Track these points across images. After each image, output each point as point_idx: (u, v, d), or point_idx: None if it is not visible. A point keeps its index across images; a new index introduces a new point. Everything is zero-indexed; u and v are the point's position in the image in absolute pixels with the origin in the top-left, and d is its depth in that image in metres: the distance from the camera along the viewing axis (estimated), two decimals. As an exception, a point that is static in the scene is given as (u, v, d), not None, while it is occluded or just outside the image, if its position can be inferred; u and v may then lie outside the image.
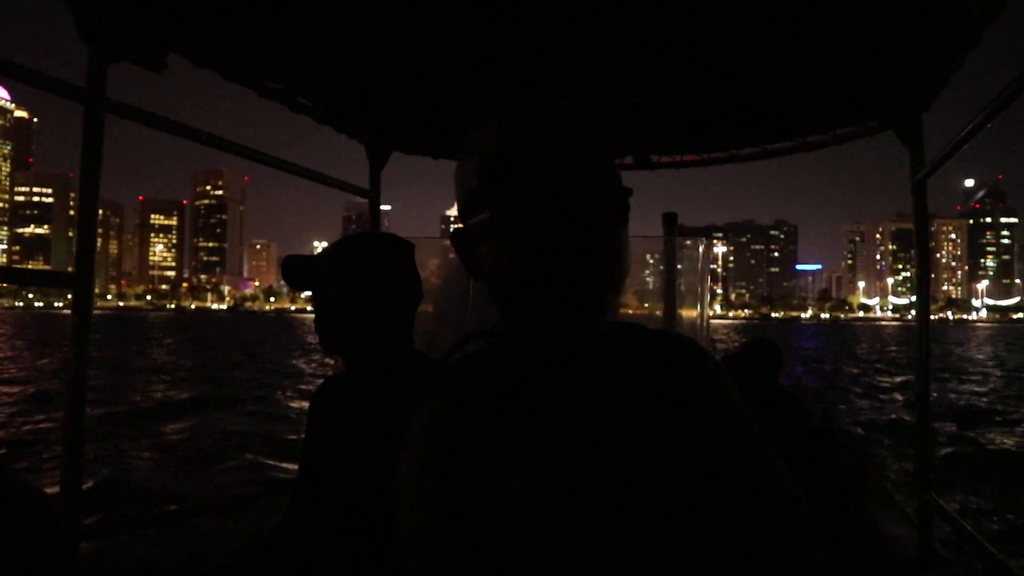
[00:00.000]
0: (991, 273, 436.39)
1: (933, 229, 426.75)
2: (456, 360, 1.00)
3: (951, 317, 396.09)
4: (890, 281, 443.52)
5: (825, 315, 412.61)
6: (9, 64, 1.91)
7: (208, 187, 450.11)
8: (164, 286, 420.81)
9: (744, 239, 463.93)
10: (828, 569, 0.93)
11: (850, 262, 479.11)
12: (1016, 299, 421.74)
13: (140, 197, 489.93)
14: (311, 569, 1.66)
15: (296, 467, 1.87)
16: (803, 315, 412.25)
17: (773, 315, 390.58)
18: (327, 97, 3.18)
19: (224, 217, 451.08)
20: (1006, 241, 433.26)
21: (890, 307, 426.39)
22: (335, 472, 1.68)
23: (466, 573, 0.81)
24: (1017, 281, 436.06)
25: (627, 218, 0.93)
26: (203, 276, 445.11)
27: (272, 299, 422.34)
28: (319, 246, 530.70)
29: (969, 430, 16.94)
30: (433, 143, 3.89)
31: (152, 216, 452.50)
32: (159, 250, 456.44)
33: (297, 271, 1.79)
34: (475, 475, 0.85)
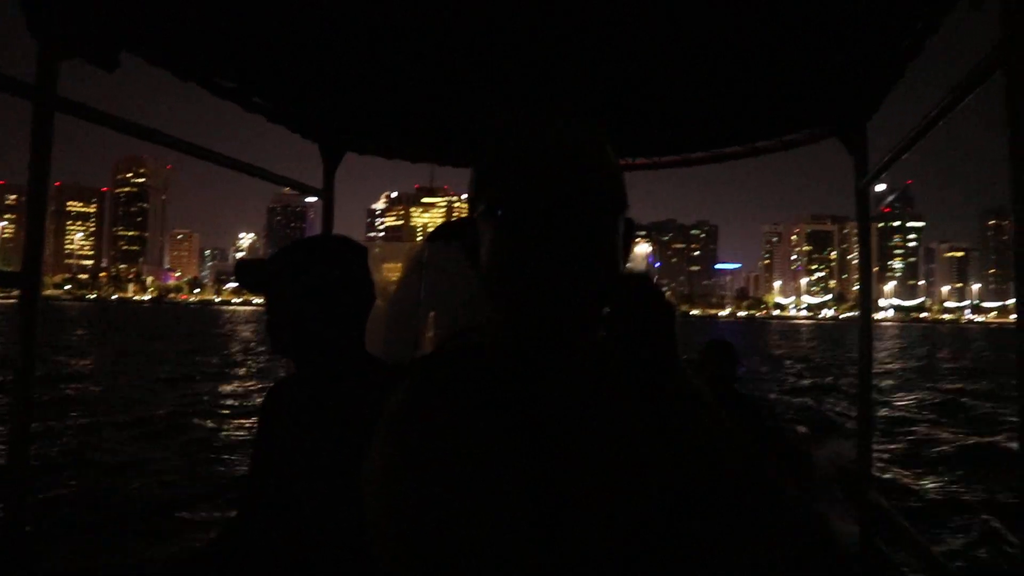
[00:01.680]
0: (898, 275, 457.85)
1: (846, 231, 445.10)
2: (437, 352, 1.02)
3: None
4: (804, 281, 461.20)
5: (742, 313, 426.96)
6: None
7: (129, 174, 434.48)
8: (83, 275, 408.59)
9: (666, 238, 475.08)
10: (780, 562, 0.93)
11: (767, 262, 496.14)
12: (920, 300, 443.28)
13: (56, 183, 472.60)
14: (265, 570, 1.67)
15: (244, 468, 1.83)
16: (721, 313, 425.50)
17: (692, 312, 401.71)
18: (281, 97, 3.15)
19: (145, 206, 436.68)
20: (913, 244, 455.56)
21: (804, 306, 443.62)
22: (288, 473, 1.68)
23: (429, 559, 0.81)
24: (921, 282, 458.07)
25: (618, 228, 0.92)
26: (123, 266, 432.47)
27: (197, 290, 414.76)
28: (245, 237, 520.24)
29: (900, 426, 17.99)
30: (387, 144, 3.90)
31: (69, 203, 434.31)
32: (78, 238, 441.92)
33: (251, 274, 1.79)
34: (437, 463, 0.86)
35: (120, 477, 10.77)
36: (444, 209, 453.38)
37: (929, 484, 11.84)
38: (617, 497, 0.91)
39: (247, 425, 15.63)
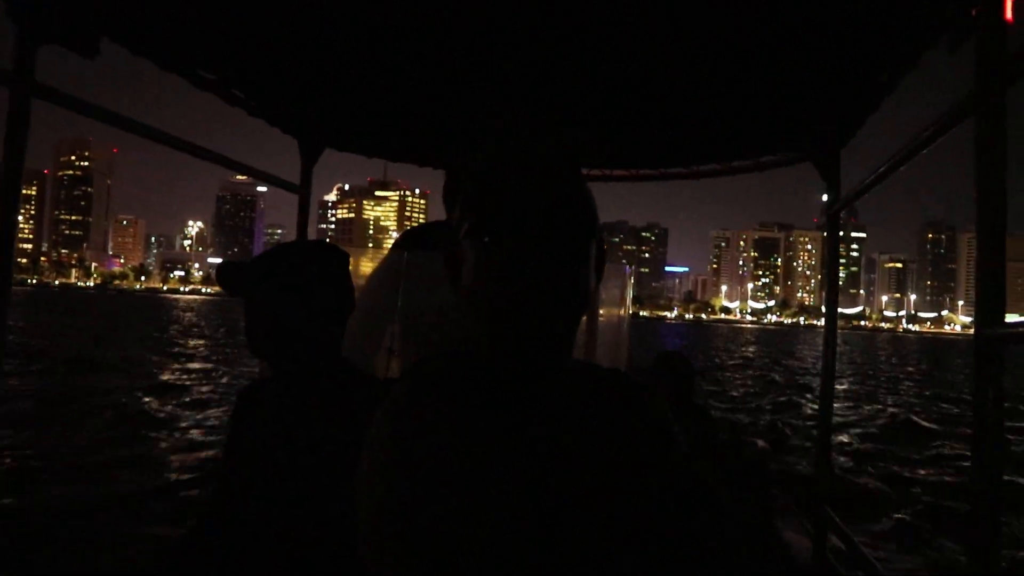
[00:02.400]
0: (841, 283, 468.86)
1: (791, 239, 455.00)
2: (431, 356, 1.05)
3: (802, 322, 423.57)
4: (750, 286, 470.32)
5: (689, 315, 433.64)
6: None
7: (73, 157, 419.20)
8: (22, 259, 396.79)
9: (617, 239, 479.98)
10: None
11: (715, 266, 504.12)
12: (859, 308, 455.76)
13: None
14: (235, 571, 1.65)
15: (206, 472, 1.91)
16: (669, 315, 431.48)
17: (642, 314, 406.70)
18: (261, 91, 3.15)
19: (89, 190, 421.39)
20: (855, 254, 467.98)
21: (749, 311, 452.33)
22: (269, 473, 1.68)
23: (425, 557, 0.82)
24: (861, 292, 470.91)
25: (589, 248, 0.96)
26: (64, 251, 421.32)
27: (143, 278, 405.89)
28: (193, 225, 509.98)
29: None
30: (366, 142, 3.90)
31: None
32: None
33: (232, 275, 1.80)
34: (434, 461, 0.88)
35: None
36: (396, 203, 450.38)
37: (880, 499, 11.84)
38: (610, 500, 0.94)
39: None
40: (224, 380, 24.10)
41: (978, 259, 1.62)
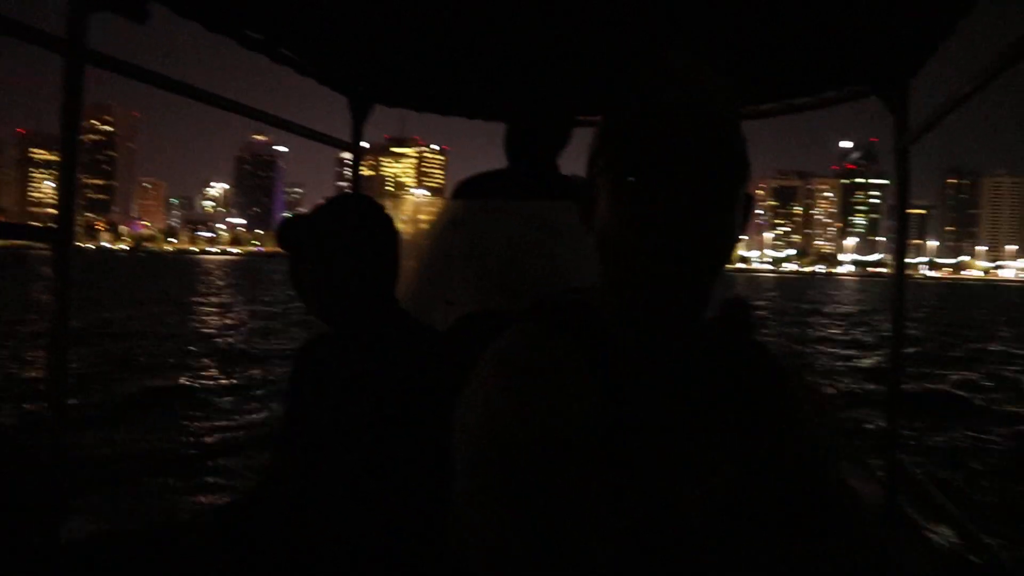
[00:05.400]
0: (861, 231, 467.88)
1: (810, 187, 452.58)
2: (547, 301, 1.01)
3: (822, 271, 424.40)
4: (768, 235, 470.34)
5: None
6: None
7: (96, 122, 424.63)
8: (52, 225, 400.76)
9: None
10: (797, 522, 0.93)
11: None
12: (879, 255, 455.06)
13: (20, 130, 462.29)
14: (298, 528, 1.63)
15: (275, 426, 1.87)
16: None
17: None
18: (310, 48, 3.11)
19: (113, 154, 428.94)
20: (876, 201, 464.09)
21: (768, 260, 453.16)
22: (323, 432, 1.67)
23: (533, 499, 0.79)
24: (882, 239, 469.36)
25: (740, 193, 0.88)
26: (89, 215, 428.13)
27: (172, 239, 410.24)
28: (216, 187, 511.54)
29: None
30: (416, 96, 3.73)
31: (32, 150, 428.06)
32: (45, 187, 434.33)
33: (295, 231, 1.74)
34: (534, 411, 0.82)
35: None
36: (415, 160, 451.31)
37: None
38: (710, 475, 0.88)
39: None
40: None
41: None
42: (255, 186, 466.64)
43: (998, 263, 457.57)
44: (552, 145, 2.41)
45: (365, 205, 1.79)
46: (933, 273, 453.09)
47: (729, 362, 0.99)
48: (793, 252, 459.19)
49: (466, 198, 2.50)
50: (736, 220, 0.88)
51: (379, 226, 1.77)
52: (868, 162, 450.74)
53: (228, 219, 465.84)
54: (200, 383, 14.27)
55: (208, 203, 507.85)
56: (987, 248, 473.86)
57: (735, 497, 0.87)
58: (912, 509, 2.95)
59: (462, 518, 0.84)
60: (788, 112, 3.64)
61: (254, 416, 11.53)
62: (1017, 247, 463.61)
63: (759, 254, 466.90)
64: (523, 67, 3.12)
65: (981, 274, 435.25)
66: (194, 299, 39.29)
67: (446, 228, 2.52)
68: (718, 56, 2.91)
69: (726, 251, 0.87)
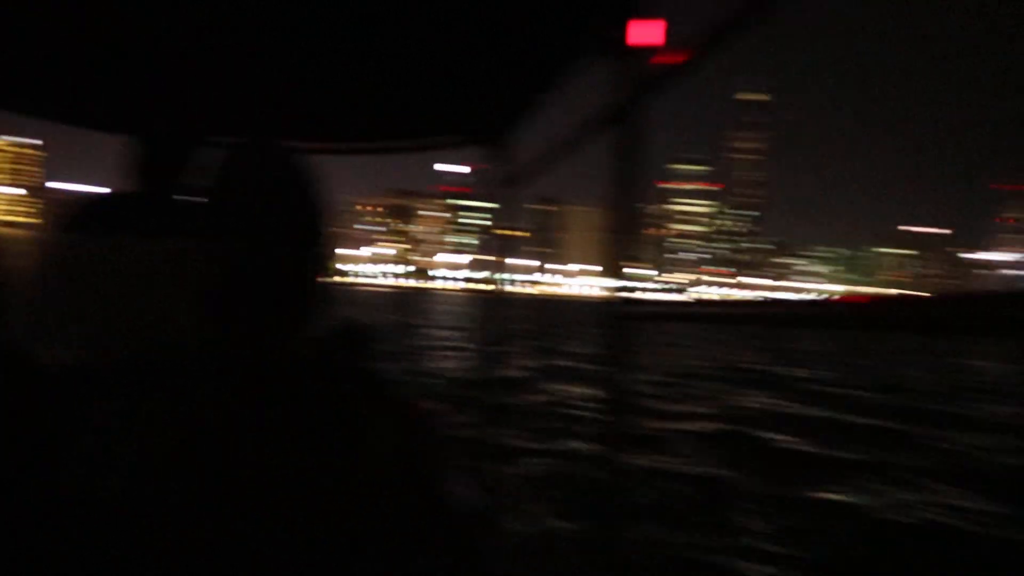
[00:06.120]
0: (472, 250, 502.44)
1: (419, 207, 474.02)
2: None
3: (437, 283, 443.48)
4: (381, 251, 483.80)
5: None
6: None
7: None
8: None
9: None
10: (390, 528, 0.97)
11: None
12: (487, 273, 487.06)
13: None
14: None
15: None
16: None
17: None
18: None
19: None
20: (486, 223, 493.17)
21: (382, 275, 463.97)
22: None
23: None
24: (484, 258, 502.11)
25: (309, 255, 1.07)
26: None
27: None
28: None
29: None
30: (30, 100, 3.45)
31: None
32: None
33: None
34: None
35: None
36: (8, 154, 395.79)
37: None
38: None
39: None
40: None
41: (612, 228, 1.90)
42: None
43: (575, 279, 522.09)
44: (176, 167, 2.08)
45: None
46: (529, 289, 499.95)
47: (313, 378, 1.07)
48: (411, 268, 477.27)
49: (73, 229, 2.16)
50: (310, 273, 1.04)
51: None
52: (479, 185, 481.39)
53: None
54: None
55: None
56: (567, 267, 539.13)
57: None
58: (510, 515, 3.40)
59: None
60: (388, 152, 4.01)
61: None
62: (580, 267, 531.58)
63: (373, 269, 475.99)
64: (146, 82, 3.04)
65: (564, 290, 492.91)
66: None
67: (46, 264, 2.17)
68: (314, 102, 3.24)
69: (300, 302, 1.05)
